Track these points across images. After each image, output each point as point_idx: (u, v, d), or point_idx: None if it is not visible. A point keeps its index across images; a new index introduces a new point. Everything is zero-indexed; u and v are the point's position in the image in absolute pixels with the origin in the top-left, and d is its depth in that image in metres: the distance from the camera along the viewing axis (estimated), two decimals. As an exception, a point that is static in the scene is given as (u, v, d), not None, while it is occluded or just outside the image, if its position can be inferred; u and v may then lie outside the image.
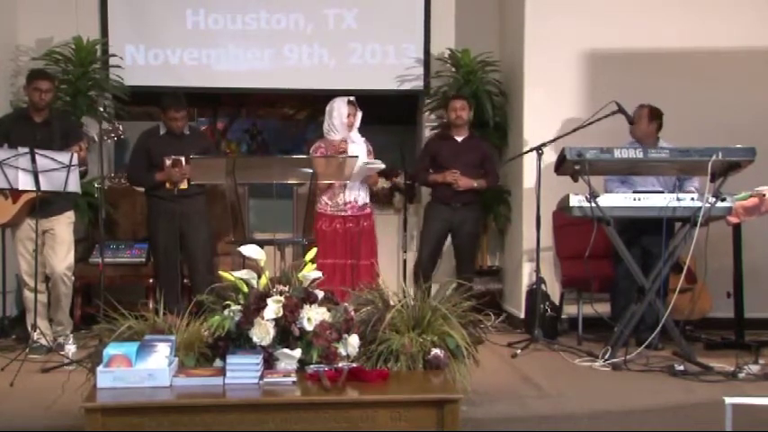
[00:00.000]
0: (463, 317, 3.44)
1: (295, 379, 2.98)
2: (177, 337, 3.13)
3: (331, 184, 5.11)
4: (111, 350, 2.95)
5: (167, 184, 5.13)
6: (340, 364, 3.07)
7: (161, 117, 5.31)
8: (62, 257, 4.85)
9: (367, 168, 5.14)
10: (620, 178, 5.15)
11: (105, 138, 4.80)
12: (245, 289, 3.18)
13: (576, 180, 4.66)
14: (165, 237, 5.27)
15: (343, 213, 5.25)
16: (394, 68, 6.56)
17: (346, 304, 3.34)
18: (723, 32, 5.72)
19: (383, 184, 6.77)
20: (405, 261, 6.23)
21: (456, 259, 5.77)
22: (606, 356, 4.50)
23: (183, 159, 5.03)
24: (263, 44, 6.50)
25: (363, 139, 5.37)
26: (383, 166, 5.30)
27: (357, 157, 4.91)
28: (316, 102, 7.99)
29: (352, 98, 5.28)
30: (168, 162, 5.07)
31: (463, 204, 5.62)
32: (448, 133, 5.77)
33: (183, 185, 5.09)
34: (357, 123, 5.28)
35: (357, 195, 5.27)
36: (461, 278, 4.46)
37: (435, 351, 3.22)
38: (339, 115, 5.22)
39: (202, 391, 2.89)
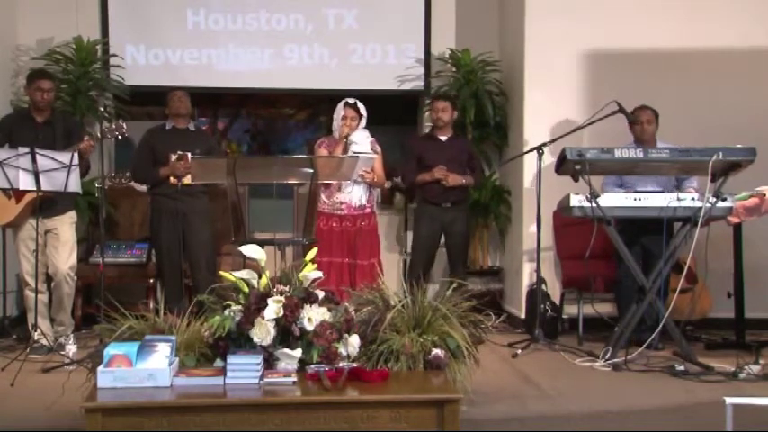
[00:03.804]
0: (464, 317, 3.44)
1: (295, 379, 2.98)
2: (178, 337, 3.13)
3: (329, 182, 5.10)
4: (112, 350, 2.95)
5: (171, 179, 5.13)
6: (340, 364, 3.07)
7: (166, 102, 5.39)
8: (65, 257, 4.85)
9: (358, 160, 4.89)
10: (616, 180, 5.14)
11: (109, 136, 4.80)
12: (246, 289, 3.18)
13: (576, 180, 4.65)
14: (168, 236, 5.28)
15: (339, 212, 5.25)
16: (394, 68, 6.56)
17: (347, 304, 3.35)
18: (723, 32, 5.71)
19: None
20: (405, 261, 6.23)
21: (448, 260, 5.75)
22: (607, 356, 4.50)
23: (188, 155, 5.04)
24: (264, 44, 6.50)
25: (371, 140, 5.36)
26: (375, 156, 5.27)
27: (357, 157, 4.90)
28: (316, 102, 7.99)
29: (351, 100, 5.28)
30: (174, 157, 5.07)
31: (452, 204, 5.60)
32: (431, 133, 5.76)
33: (187, 180, 5.09)
34: (361, 125, 5.28)
35: (353, 195, 5.25)
36: (454, 279, 4.42)
37: (436, 351, 3.21)
38: (336, 116, 5.26)
39: (203, 391, 2.89)
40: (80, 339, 4.95)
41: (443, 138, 5.66)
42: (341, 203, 5.25)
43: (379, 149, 5.38)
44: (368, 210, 5.34)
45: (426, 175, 5.57)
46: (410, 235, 6.12)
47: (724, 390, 3.81)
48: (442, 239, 5.68)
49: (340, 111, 5.24)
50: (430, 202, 5.62)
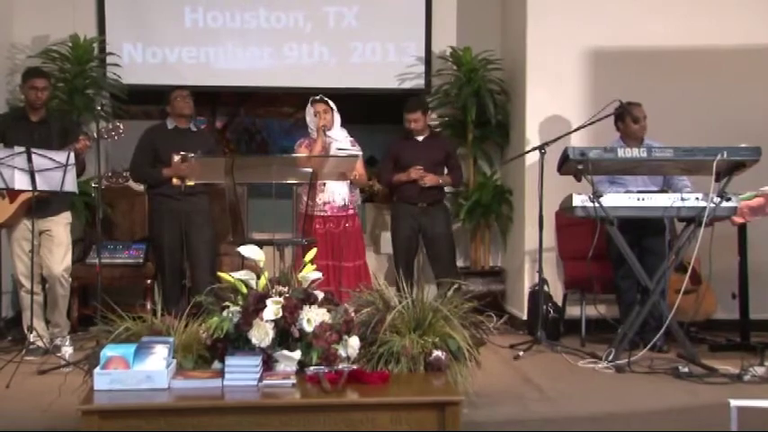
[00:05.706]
0: (465, 318, 3.41)
1: (294, 381, 2.96)
2: (175, 338, 3.12)
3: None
4: (109, 352, 2.94)
5: (174, 180, 5.07)
6: (340, 366, 3.05)
7: (167, 102, 5.30)
8: (59, 259, 4.80)
9: (339, 161, 4.81)
10: (609, 178, 5.09)
11: (105, 136, 4.76)
12: (244, 290, 3.15)
13: (579, 180, 4.62)
14: (170, 236, 5.21)
15: (322, 213, 5.15)
16: (395, 67, 6.52)
17: (346, 305, 3.31)
18: (726, 31, 5.69)
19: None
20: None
21: (433, 264, 5.66)
22: (609, 358, 4.47)
23: (192, 156, 4.97)
24: (263, 42, 6.46)
25: (350, 139, 5.31)
26: (359, 153, 5.22)
27: (357, 157, 4.85)
28: (316, 101, 7.96)
29: (317, 96, 5.24)
30: (177, 158, 4.99)
31: (429, 204, 5.57)
32: (409, 134, 5.71)
33: (191, 182, 5.03)
34: (336, 121, 5.23)
35: (336, 195, 5.18)
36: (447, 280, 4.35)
37: (436, 353, 3.19)
38: (309, 116, 5.22)
39: (201, 393, 2.87)
40: (77, 341, 4.92)
41: (420, 138, 5.64)
42: (324, 204, 5.16)
43: (359, 148, 5.32)
44: (351, 210, 5.26)
45: (403, 175, 5.55)
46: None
47: (728, 392, 3.78)
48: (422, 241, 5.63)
49: (310, 110, 5.21)
50: (406, 202, 5.59)
